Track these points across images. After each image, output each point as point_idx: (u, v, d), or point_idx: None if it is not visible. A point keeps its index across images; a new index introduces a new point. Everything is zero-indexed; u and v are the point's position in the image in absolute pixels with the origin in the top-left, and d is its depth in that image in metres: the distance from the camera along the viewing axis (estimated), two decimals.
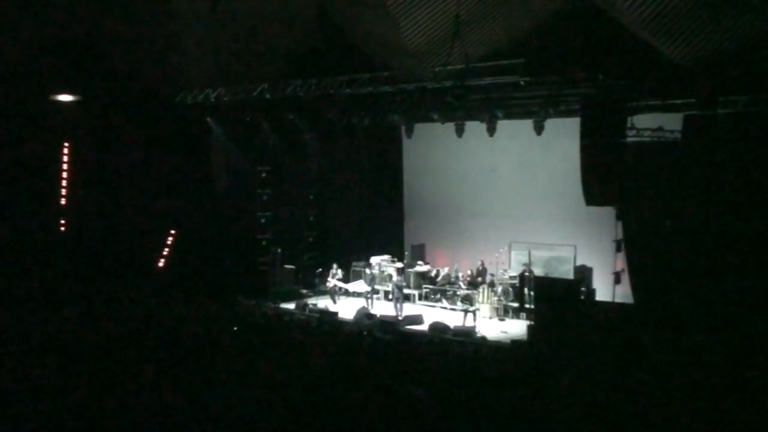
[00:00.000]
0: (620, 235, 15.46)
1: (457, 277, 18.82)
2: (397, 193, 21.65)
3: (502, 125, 16.56)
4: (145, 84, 18.45)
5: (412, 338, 13.93)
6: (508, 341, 14.73)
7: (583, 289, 15.67)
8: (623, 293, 15.61)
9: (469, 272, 18.60)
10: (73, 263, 18.22)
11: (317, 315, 16.86)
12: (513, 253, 18.45)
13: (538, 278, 16.17)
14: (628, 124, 14.26)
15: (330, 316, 16.69)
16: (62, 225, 18.91)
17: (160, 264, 19.95)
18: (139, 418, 7.28)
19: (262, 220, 19.61)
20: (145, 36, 17.55)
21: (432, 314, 17.47)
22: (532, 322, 15.27)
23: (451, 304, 18.24)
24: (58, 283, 17.07)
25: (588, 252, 17.13)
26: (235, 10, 16.87)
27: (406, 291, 18.30)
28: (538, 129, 15.72)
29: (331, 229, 21.58)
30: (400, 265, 19.21)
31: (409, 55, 16.08)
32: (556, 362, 11.27)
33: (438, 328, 15.63)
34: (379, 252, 20.07)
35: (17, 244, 17.66)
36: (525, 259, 17.57)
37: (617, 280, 15.35)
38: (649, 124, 14.63)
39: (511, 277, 17.72)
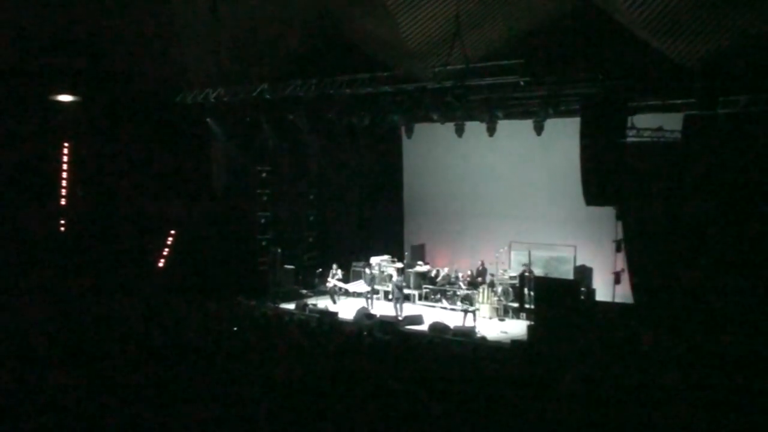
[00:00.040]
0: (620, 235, 15.47)
1: (457, 277, 18.83)
2: (397, 193, 21.65)
3: (502, 125, 16.56)
4: (145, 84, 18.45)
5: (412, 338, 13.92)
6: (508, 341, 14.73)
7: (583, 289, 15.66)
8: (623, 293, 15.61)
9: (469, 272, 18.61)
10: (73, 263, 18.21)
11: (317, 315, 16.85)
12: (513, 253, 18.45)
13: (538, 278, 16.17)
14: (628, 124, 14.26)
15: (330, 317, 16.69)
16: (62, 225, 18.91)
17: (160, 264, 19.95)
18: (139, 418, 7.28)
19: (262, 220, 19.61)
20: (145, 36, 17.57)
21: (432, 314, 17.47)
22: (532, 322, 15.27)
23: (451, 304, 18.24)
24: (58, 283, 17.07)
25: (588, 252, 17.13)
26: (235, 10, 16.88)
27: (406, 291, 18.30)
28: (538, 129, 15.72)
29: (331, 229, 21.58)
30: (400, 265, 19.21)
31: (409, 55, 16.09)
32: (556, 362, 11.27)
33: (438, 329, 15.63)
34: (379, 252, 20.07)
35: (17, 244, 17.66)
36: (525, 259, 17.57)
37: (617, 280, 15.36)
38: (649, 124, 14.63)
39: (511, 277, 17.72)
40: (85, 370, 8.88)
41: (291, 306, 18.39)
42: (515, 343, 14.26)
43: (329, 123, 18.62)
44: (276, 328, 13.49)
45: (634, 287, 15.48)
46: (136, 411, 7.43)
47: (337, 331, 13.73)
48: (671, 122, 14.57)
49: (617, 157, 14.01)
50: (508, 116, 16.75)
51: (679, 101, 14.18)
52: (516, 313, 17.21)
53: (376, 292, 19.12)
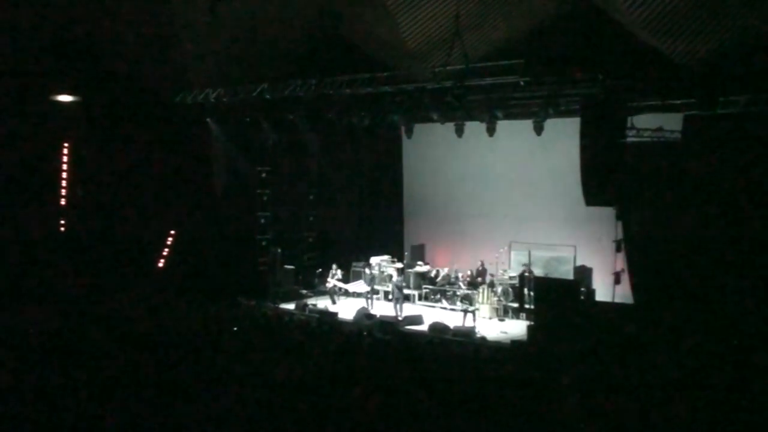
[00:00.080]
0: (620, 235, 15.47)
1: (457, 278, 18.82)
2: (397, 193, 21.65)
3: (502, 125, 16.56)
4: (145, 84, 18.46)
5: (412, 338, 13.91)
6: (508, 341, 14.73)
7: (583, 289, 15.65)
8: (623, 293, 15.61)
9: (469, 272, 18.60)
10: (73, 263, 18.21)
11: (317, 315, 16.85)
12: (513, 253, 18.44)
13: (538, 278, 16.16)
14: (628, 124, 14.25)
15: (330, 317, 16.69)
16: (62, 225, 18.91)
17: (160, 264, 19.95)
18: (140, 418, 7.28)
19: (262, 221, 19.59)
20: (145, 36, 17.56)
21: (432, 314, 17.46)
22: (532, 323, 15.26)
23: (450, 304, 18.24)
24: (58, 283, 17.07)
25: (588, 252, 17.12)
26: (235, 10, 16.88)
27: (406, 291, 18.29)
28: (538, 129, 15.72)
29: (330, 229, 21.56)
30: (399, 265, 19.21)
31: (409, 55, 16.09)
32: (556, 362, 11.27)
33: (438, 329, 15.63)
34: (379, 252, 20.07)
35: (17, 244, 17.66)
36: (525, 260, 17.57)
37: (617, 280, 15.35)
38: (649, 124, 14.63)
39: (511, 278, 17.71)
40: (85, 370, 8.89)
41: (291, 306, 18.37)
42: (515, 343, 14.25)
43: (329, 123, 18.61)
44: (276, 329, 13.49)
45: (634, 287, 15.48)
46: (137, 411, 7.43)
47: (337, 331, 13.73)
48: (671, 122, 14.57)
49: (617, 157, 14.01)
50: (508, 116, 16.75)
51: (679, 101, 14.18)
52: (516, 313, 17.20)
53: (376, 292, 19.11)
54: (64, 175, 18.95)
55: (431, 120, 17.30)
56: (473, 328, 15.85)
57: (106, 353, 9.80)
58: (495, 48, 16.05)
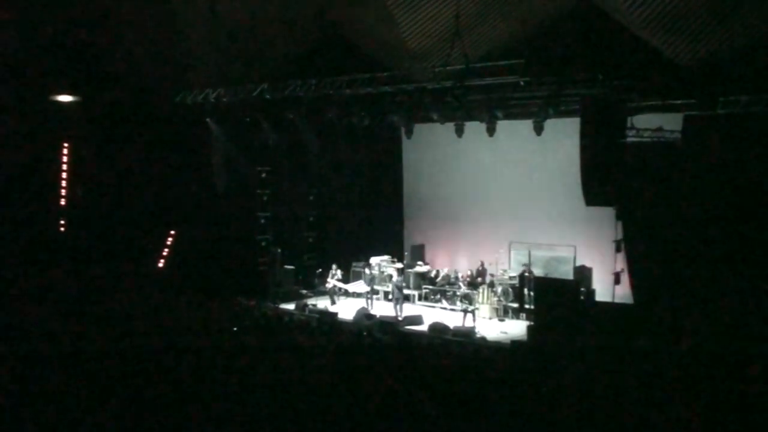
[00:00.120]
0: (620, 235, 15.46)
1: (456, 278, 18.82)
2: (396, 193, 21.64)
3: (502, 125, 16.56)
4: (145, 84, 18.45)
5: (411, 339, 13.92)
6: (508, 341, 14.72)
7: (582, 289, 15.65)
8: (623, 293, 15.60)
9: (468, 272, 18.59)
10: (73, 263, 18.21)
11: (317, 315, 16.85)
12: (513, 253, 18.44)
13: (538, 278, 16.16)
14: (628, 124, 14.25)
15: (330, 317, 16.69)
16: (62, 225, 18.91)
17: (160, 264, 19.94)
18: (140, 418, 7.28)
19: (262, 221, 19.59)
20: (145, 36, 17.57)
21: (432, 315, 17.46)
22: (532, 323, 15.26)
23: (450, 304, 18.23)
24: (59, 283, 17.06)
25: (588, 252, 17.12)
26: (235, 10, 16.90)
27: (405, 291, 18.29)
28: (538, 129, 15.71)
29: (331, 229, 21.56)
30: (399, 265, 19.21)
31: (409, 55, 16.10)
32: (556, 362, 11.27)
33: (438, 329, 15.63)
34: (379, 252, 20.06)
35: (17, 244, 17.66)
36: (525, 260, 17.57)
37: (617, 280, 15.34)
38: (649, 124, 14.62)
39: (511, 278, 17.71)
40: (85, 370, 8.89)
41: (291, 306, 18.38)
42: (515, 344, 14.25)
43: (329, 123, 18.61)
44: (276, 329, 13.49)
45: (634, 287, 15.48)
46: (137, 411, 7.43)
47: (337, 331, 13.73)
48: (671, 122, 14.57)
49: (617, 157, 14.00)
50: (508, 116, 16.75)
51: (679, 101, 14.17)
52: (516, 314, 17.20)
53: (376, 292, 19.11)
54: (64, 175, 18.95)
55: (431, 120, 17.30)
56: (473, 328, 15.85)
57: (106, 353, 9.79)
58: (495, 48, 16.05)
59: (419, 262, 19.62)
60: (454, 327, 15.75)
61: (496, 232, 18.91)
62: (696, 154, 14.25)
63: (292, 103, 18.30)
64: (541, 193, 18.40)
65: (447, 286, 18.66)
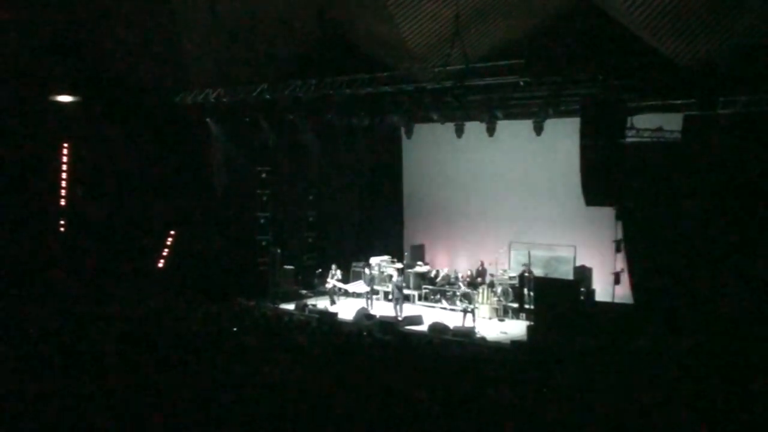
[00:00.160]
0: (620, 235, 15.46)
1: (456, 278, 18.81)
2: (396, 193, 21.64)
3: (502, 125, 16.56)
4: (145, 84, 18.45)
5: (411, 339, 13.92)
6: (508, 341, 14.72)
7: (582, 289, 15.65)
8: (623, 293, 15.60)
9: (468, 272, 18.59)
10: (72, 263, 18.21)
11: (317, 315, 16.85)
12: (513, 253, 18.44)
13: (537, 278, 16.17)
14: (628, 124, 14.25)
15: (330, 317, 16.68)
16: (62, 225, 18.91)
17: (160, 264, 19.95)
18: (140, 418, 7.28)
19: (262, 221, 19.59)
20: (145, 36, 17.57)
21: (432, 315, 17.45)
22: (532, 323, 15.26)
23: (450, 304, 18.22)
24: (58, 283, 17.07)
25: (588, 252, 17.12)
26: (235, 10, 16.90)
27: (405, 291, 18.28)
28: (538, 129, 15.72)
29: (330, 229, 21.56)
30: (399, 265, 19.20)
31: (409, 55, 16.10)
32: (556, 362, 11.27)
33: (438, 329, 15.63)
34: (379, 252, 20.06)
35: (17, 244, 17.66)
36: (525, 260, 17.56)
37: (617, 280, 15.35)
38: (649, 124, 14.62)
39: (511, 278, 17.70)
40: (85, 370, 8.89)
41: (291, 306, 18.37)
42: (515, 344, 14.25)
43: (329, 123, 18.61)
44: (276, 329, 13.49)
45: (634, 287, 15.47)
46: (137, 411, 7.43)
47: (337, 331, 13.73)
48: (671, 122, 14.56)
49: (617, 157, 14.00)
50: (508, 116, 16.75)
51: (679, 101, 14.17)
52: (516, 314, 17.20)
53: (376, 292, 19.11)
54: (64, 175, 18.95)
55: (431, 120, 17.30)
56: (473, 328, 15.85)
57: (105, 353, 9.79)
58: (495, 48, 16.05)
59: (419, 262, 19.61)
60: (454, 327, 15.75)
61: (496, 232, 18.91)
62: (696, 154, 14.24)
63: (292, 103, 18.31)
64: (541, 193, 18.40)
65: (447, 286, 18.65)
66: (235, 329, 12.80)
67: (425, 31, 15.76)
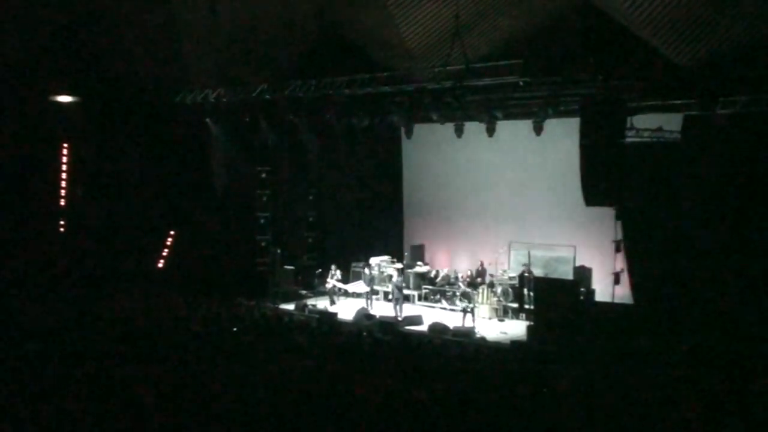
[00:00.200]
0: (620, 236, 15.46)
1: (456, 278, 18.81)
2: (396, 193, 21.64)
3: (502, 125, 16.55)
4: (145, 84, 18.45)
5: (411, 339, 13.92)
6: (508, 341, 14.72)
7: (582, 289, 15.66)
8: (623, 293, 15.61)
9: (468, 273, 18.59)
10: (72, 263, 18.21)
11: (317, 316, 16.85)
12: (512, 253, 18.44)
13: (537, 279, 16.17)
14: (628, 124, 14.25)
15: (329, 317, 16.68)
16: (62, 226, 18.91)
17: (160, 264, 19.94)
18: (139, 418, 7.28)
19: (262, 221, 19.58)
20: (145, 36, 17.58)
21: (431, 315, 17.45)
22: (532, 323, 15.26)
23: (450, 304, 18.22)
24: (58, 283, 17.07)
25: (588, 252, 17.12)
26: (235, 10, 16.89)
27: (405, 292, 18.28)
28: (538, 129, 15.72)
29: (330, 229, 21.57)
30: (399, 265, 19.20)
31: (409, 55, 16.10)
32: (556, 362, 11.27)
33: (437, 329, 15.63)
34: (379, 253, 20.06)
35: (17, 244, 17.66)
36: (524, 260, 17.56)
37: (617, 280, 15.34)
38: (649, 124, 14.63)
39: (511, 278, 17.70)
40: (84, 370, 8.89)
41: (290, 306, 18.37)
42: (515, 344, 14.25)
43: (329, 123, 18.61)
44: (275, 329, 13.49)
45: (634, 287, 15.48)
46: (136, 411, 7.43)
47: (336, 331, 13.73)
48: (671, 122, 14.57)
49: (617, 157, 14.01)
50: (508, 116, 16.74)
51: (679, 101, 14.18)
52: (516, 314, 17.19)
53: (376, 292, 19.11)
54: (64, 175, 18.95)
55: (431, 120, 17.30)
56: (473, 328, 15.84)
57: (105, 353, 9.79)
58: (495, 48, 16.05)
59: (419, 263, 19.61)
60: (454, 327, 15.75)
61: (496, 232, 18.91)
62: (695, 154, 14.25)
63: (292, 104, 18.30)
64: (541, 193, 18.39)
65: (447, 286, 18.65)
66: (235, 329, 12.79)
67: (425, 31, 15.76)
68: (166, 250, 20.01)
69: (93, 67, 18.10)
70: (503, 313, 17.45)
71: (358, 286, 19.25)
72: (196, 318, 13.84)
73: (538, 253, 17.82)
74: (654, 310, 14.44)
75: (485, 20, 15.60)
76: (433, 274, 19.27)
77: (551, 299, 14.45)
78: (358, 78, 16.36)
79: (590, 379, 9.72)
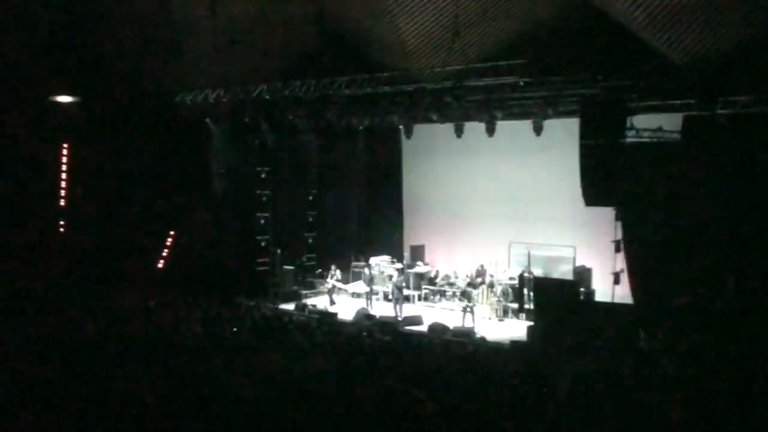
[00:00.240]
0: (619, 236, 15.46)
1: (456, 278, 18.80)
2: (396, 193, 21.65)
3: (502, 125, 16.55)
4: (145, 84, 18.44)
5: (411, 339, 13.92)
6: (508, 341, 14.72)
7: (582, 289, 15.66)
8: (623, 293, 15.61)
9: (468, 273, 18.59)
10: (72, 264, 18.19)
11: (317, 316, 16.84)
12: (513, 253, 18.45)
13: (537, 279, 16.18)
14: (628, 125, 14.25)
15: (329, 317, 16.68)
16: (62, 226, 18.90)
17: (160, 264, 19.93)
18: (139, 418, 7.27)
19: (262, 221, 19.58)
20: (145, 36, 17.57)
21: (432, 315, 17.46)
22: (532, 323, 15.26)
23: (450, 304, 18.21)
24: (58, 284, 17.05)
25: (587, 252, 17.12)
26: (235, 11, 16.89)
27: (405, 292, 18.28)
28: (538, 129, 15.72)
29: (330, 229, 21.57)
30: (399, 265, 19.21)
31: (409, 56, 16.10)
32: (556, 362, 11.27)
33: (437, 329, 15.63)
34: (379, 252, 20.06)
35: (17, 244, 17.64)
36: (524, 260, 17.56)
37: (616, 280, 15.35)
38: (649, 124, 14.63)
39: (511, 278, 17.70)
40: (84, 371, 8.88)
41: (290, 307, 18.37)
42: (515, 344, 14.25)
43: (329, 123, 18.61)
44: (275, 329, 13.49)
45: (634, 288, 15.48)
46: (136, 412, 7.43)
47: (337, 331, 13.73)
48: (671, 122, 14.57)
49: (617, 157, 14.01)
50: (508, 116, 16.75)
51: (678, 101, 14.18)
52: (516, 314, 17.20)
53: (376, 292, 19.11)
54: (64, 175, 18.94)
55: (430, 120, 17.30)
56: (473, 328, 15.84)
57: (105, 354, 9.79)
58: (495, 48, 16.05)
59: (419, 263, 19.61)
60: (454, 327, 15.75)
61: (496, 232, 18.92)
62: (695, 154, 14.25)
63: (292, 104, 18.30)
64: (541, 193, 18.40)
65: (447, 286, 18.65)
66: (235, 329, 12.79)
67: (425, 31, 15.76)
68: (166, 250, 20.00)
69: (93, 67, 18.08)
70: (503, 313, 17.45)
71: (358, 286, 19.25)
72: (196, 318, 13.82)
73: (538, 253, 17.82)
74: (654, 310, 14.44)
75: (485, 20, 15.61)
76: (433, 274, 19.28)
77: (551, 299, 14.45)
78: (358, 78, 16.36)
79: (590, 379, 9.71)
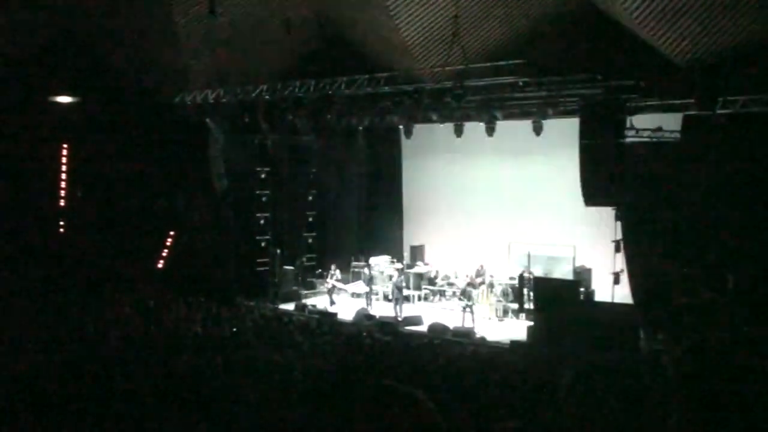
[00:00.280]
0: (619, 236, 15.46)
1: (456, 278, 18.80)
2: (396, 193, 21.64)
3: (502, 125, 16.56)
4: (144, 84, 18.45)
5: (411, 339, 13.92)
6: (508, 341, 14.72)
7: (582, 289, 15.65)
8: (623, 293, 15.60)
9: (468, 273, 18.57)
10: (72, 264, 18.19)
11: (317, 316, 16.84)
12: (513, 253, 18.44)
13: (537, 279, 16.16)
14: (628, 124, 14.25)
15: (329, 317, 16.68)
16: (61, 226, 18.90)
17: (160, 265, 19.93)
18: (138, 419, 7.27)
19: (262, 221, 19.58)
20: (145, 36, 17.57)
21: (432, 315, 17.45)
22: (532, 323, 15.26)
23: (450, 304, 18.20)
24: (58, 284, 17.04)
25: (587, 252, 17.12)
26: (235, 11, 16.90)
27: (405, 292, 18.27)
28: (538, 129, 15.72)
29: (330, 229, 21.57)
30: (399, 265, 19.20)
31: (409, 56, 16.10)
32: (556, 362, 11.26)
33: (437, 329, 15.62)
34: (379, 252, 20.06)
35: (17, 244, 17.65)
36: (524, 260, 17.56)
37: (616, 280, 15.34)
38: (649, 124, 14.63)
39: (511, 278, 17.70)
40: (84, 372, 8.88)
41: (290, 307, 18.36)
42: (515, 344, 14.25)
43: (328, 124, 18.60)
44: (275, 329, 13.49)
45: (634, 287, 15.47)
46: (136, 412, 7.43)
47: (336, 331, 13.73)
48: (671, 122, 14.57)
49: (617, 157, 14.01)
50: (508, 116, 16.75)
51: (678, 101, 14.18)
52: (516, 314, 17.19)
53: (376, 292, 19.10)
54: (64, 176, 18.94)
55: (430, 120, 17.29)
56: (473, 328, 15.84)
57: (105, 354, 9.79)
58: (495, 48, 16.05)
59: (419, 262, 19.61)
60: (454, 327, 15.75)
61: (496, 232, 18.91)
62: (695, 154, 14.25)
63: (291, 104, 18.30)
64: (541, 193, 18.39)
65: (447, 286, 18.64)
66: (235, 329, 12.79)
67: (425, 31, 15.76)
68: (166, 250, 20.00)
69: (93, 67, 18.09)
70: (503, 313, 17.44)
71: (358, 286, 19.24)
72: (196, 318, 13.82)
73: (538, 253, 17.82)
74: (654, 310, 14.43)
75: (485, 20, 15.61)
76: (433, 274, 19.27)
77: (551, 299, 14.44)
78: (358, 78, 16.36)
79: (590, 379, 9.71)
